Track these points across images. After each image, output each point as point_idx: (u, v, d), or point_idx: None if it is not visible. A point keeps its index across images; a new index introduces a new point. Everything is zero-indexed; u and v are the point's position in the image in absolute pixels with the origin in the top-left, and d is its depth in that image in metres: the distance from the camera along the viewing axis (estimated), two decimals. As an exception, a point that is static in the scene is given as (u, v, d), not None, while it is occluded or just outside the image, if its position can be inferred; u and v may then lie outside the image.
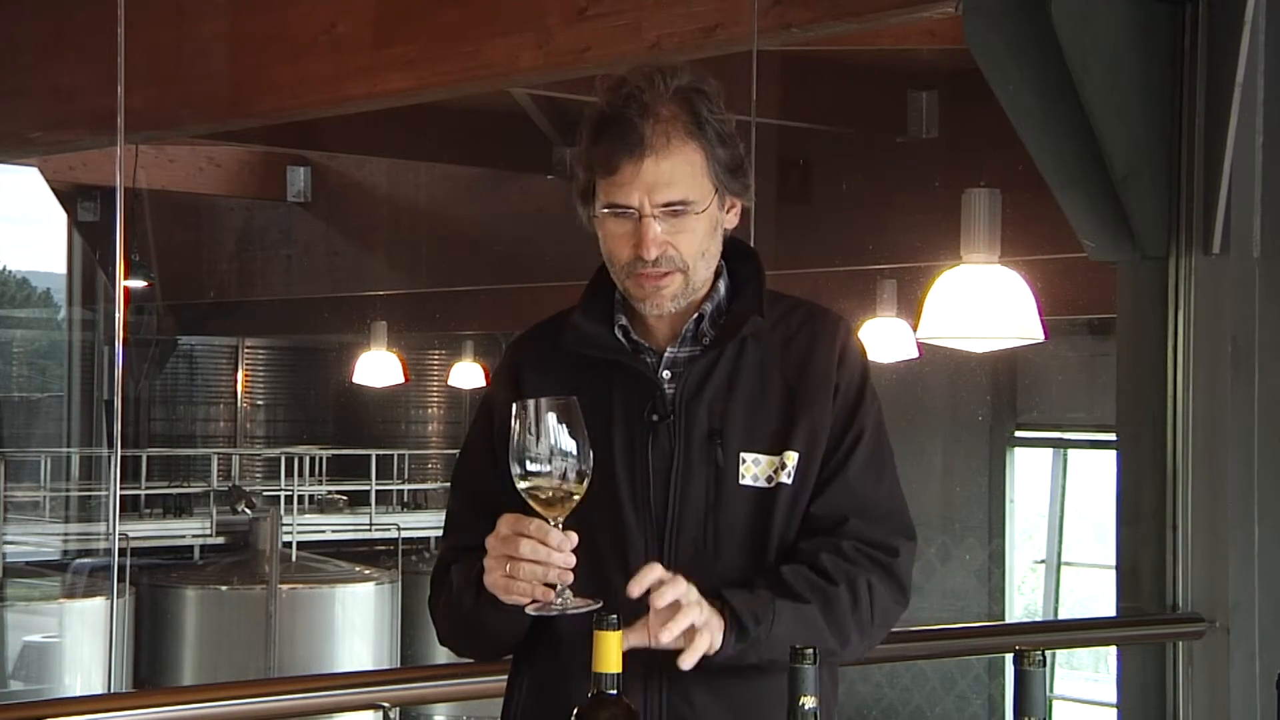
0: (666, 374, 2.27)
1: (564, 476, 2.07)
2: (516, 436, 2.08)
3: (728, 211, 2.27)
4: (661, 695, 2.20)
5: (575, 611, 2.09)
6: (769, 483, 2.24)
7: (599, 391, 2.25)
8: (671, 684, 2.20)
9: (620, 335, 2.29)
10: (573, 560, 2.09)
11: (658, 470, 2.23)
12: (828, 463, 2.28)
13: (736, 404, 2.25)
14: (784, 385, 2.27)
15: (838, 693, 2.36)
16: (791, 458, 2.25)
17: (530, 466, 2.07)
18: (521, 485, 2.08)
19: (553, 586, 2.09)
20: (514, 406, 2.10)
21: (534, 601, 2.09)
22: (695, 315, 2.28)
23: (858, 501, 2.29)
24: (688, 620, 2.10)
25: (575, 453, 2.07)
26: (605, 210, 2.21)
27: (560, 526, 2.08)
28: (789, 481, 2.25)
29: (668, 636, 2.09)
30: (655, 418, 2.24)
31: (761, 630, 2.17)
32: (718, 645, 2.14)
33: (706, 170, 2.21)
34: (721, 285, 2.30)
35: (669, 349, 2.28)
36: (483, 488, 2.29)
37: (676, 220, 2.19)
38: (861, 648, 2.29)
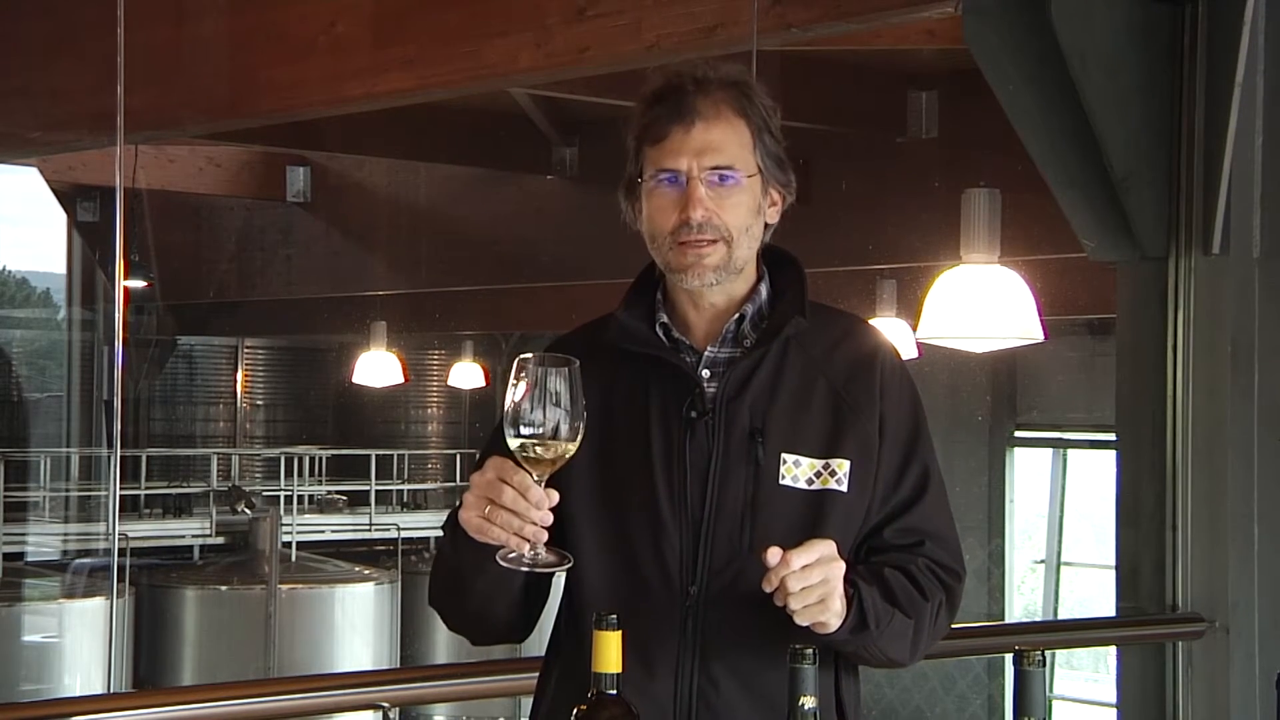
0: (706, 373, 2.28)
1: (554, 434, 2.07)
2: (511, 391, 2.09)
3: (770, 205, 2.31)
4: (691, 680, 2.21)
5: (543, 570, 2.12)
6: (810, 484, 2.25)
7: (638, 387, 2.27)
8: (701, 668, 2.21)
9: (661, 333, 2.31)
10: (549, 519, 2.10)
11: (695, 468, 2.23)
12: (895, 490, 2.30)
13: (779, 405, 2.26)
14: (830, 389, 2.28)
15: (860, 691, 2.37)
16: (843, 465, 2.26)
17: (523, 427, 2.07)
18: (512, 441, 2.09)
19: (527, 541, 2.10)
20: (515, 363, 2.10)
21: (506, 550, 2.10)
22: (736, 315, 2.30)
23: (931, 527, 2.33)
24: (821, 592, 2.11)
25: (568, 409, 2.08)
26: (653, 180, 2.25)
27: (543, 484, 2.08)
28: (843, 489, 2.26)
29: (798, 593, 2.09)
30: (694, 414, 2.24)
31: (876, 633, 2.20)
32: (833, 629, 2.14)
33: (752, 148, 2.26)
34: (763, 289, 2.32)
35: (709, 348, 2.29)
36: None
37: (722, 188, 2.23)
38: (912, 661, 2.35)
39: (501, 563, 2.10)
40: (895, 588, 2.24)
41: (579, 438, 2.09)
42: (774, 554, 2.10)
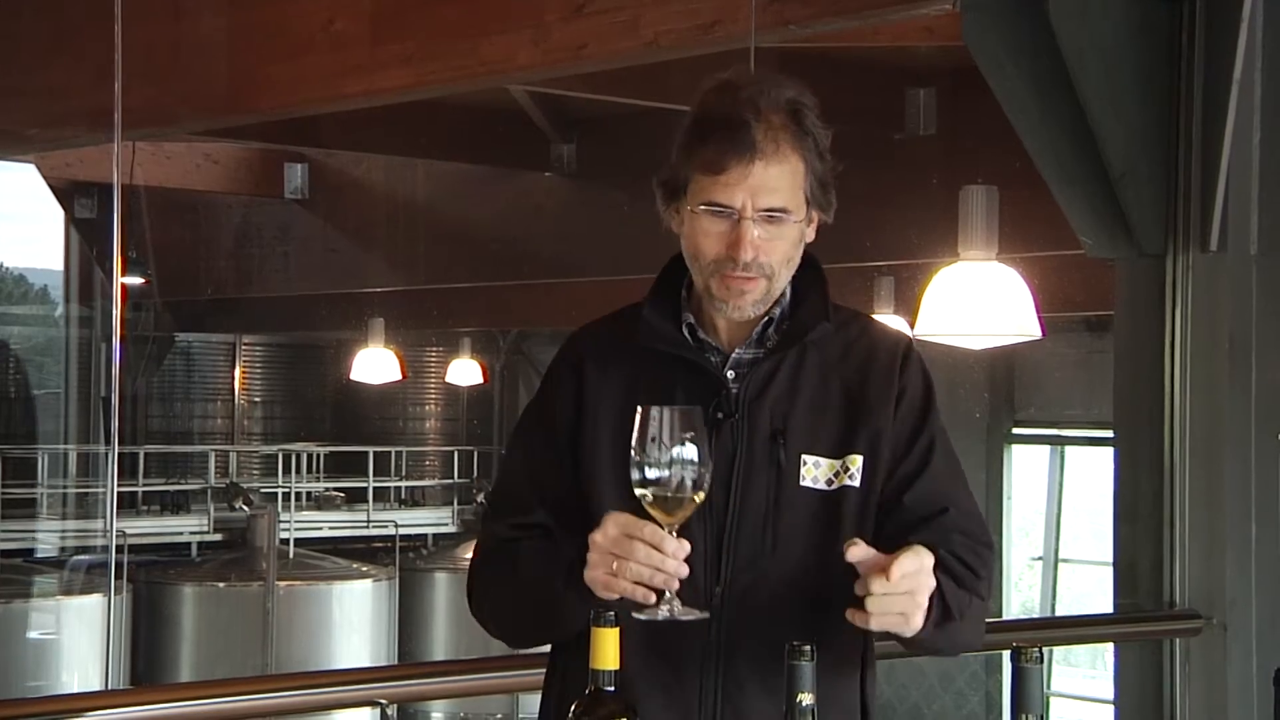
0: (730, 374, 2.28)
1: (682, 484, 2.06)
2: (637, 441, 2.07)
3: (809, 225, 2.29)
4: (716, 681, 2.21)
5: (684, 619, 2.09)
6: (829, 485, 2.26)
7: (662, 387, 2.25)
8: (726, 670, 2.21)
9: (686, 333, 2.30)
10: (685, 570, 2.08)
11: (719, 469, 2.21)
12: (903, 461, 2.29)
13: (799, 407, 2.27)
14: (844, 390, 2.29)
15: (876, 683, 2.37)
16: (855, 461, 2.26)
17: (650, 473, 2.06)
18: (640, 491, 2.08)
19: (660, 593, 2.08)
20: (637, 411, 2.09)
21: (644, 605, 2.07)
22: (765, 319, 2.29)
23: (949, 496, 2.31)
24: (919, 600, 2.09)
25: (696, 460, 2.06)
26: (704, 208, 2.22)
27: (674, 533, 2.07)
28: (856, 484, 2.26)
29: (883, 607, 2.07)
30: (720, 416, 2.24)
31: (959, 624, 2.19)
32: (918, 627, 2.11)
33: (804, 182, 2.24)
34: (787, 291, 2.32)
35: (737, 349, 2.29)
36: (544, 473, 2.31)
37: (772, 227, 2.21)
38: None
39: (640, 616, 2.08)
40: (957, 571, 2.21)
41: (707, 486, 2.08)
42: (857, 552, 2.08)
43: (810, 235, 2.29)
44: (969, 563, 2.25)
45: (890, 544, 2.18)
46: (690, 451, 2.06)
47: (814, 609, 2.24)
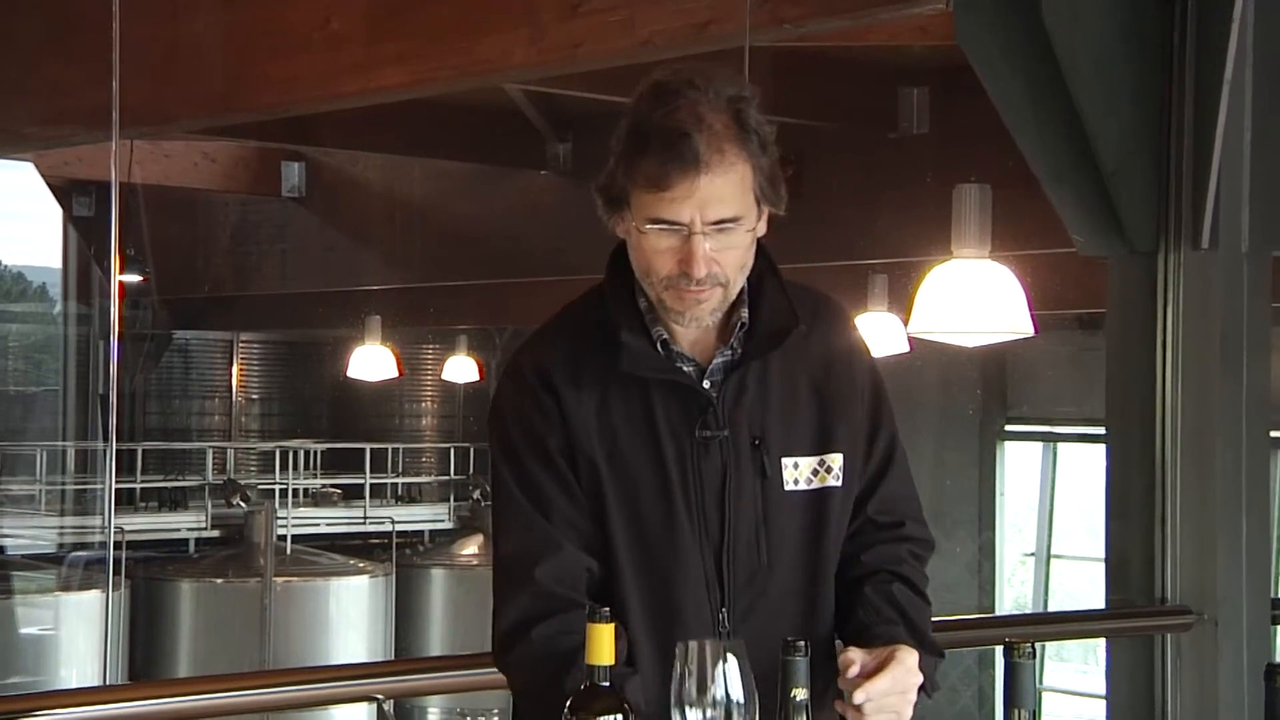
0: (706, 384, 2.20)
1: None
2: (678, 680, 1.91)
3: (760, 220, 2.18)
4: None
5: None
6: (809, 485, 2.22)
7: (643, 406, 2.18)
8: None
9: (661, 349, 2.20)
10: None
11: (710, 486, 2.17)
12: (869, 458, 2.28)
13: (772, 409, 2.21)
14: (811, 383, 2.24)
15: None
16: (836, 459, 2.23)
17: (691, 714, 1.91)
18: None
19: None
20: (676, 647, 1.93)
21: None
22: (741, 326, 2.21)
23: (907, 504, 2.33)
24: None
25: (742, 701, 1.91)
26: (651, 226, 2.11)
27: None
28: (838, 484, 2.24)
29: None
30: (708, 433, 2.17)
31: (938, 662, 2.22)
32: (909, 716, 2.12)
33: (752, 184, 2.12)
34: (744, 287, 2.23)
35: (717, 358, 2.20)
36: (565, 510, 2.18)
37: (723, 237, 2.11)
38: None
39: None
40: (914, 612, 2.24)
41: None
42: (852, 668, 2.09)
43: (762, 230, 2.19)
44: (920, 588, 2.28)
45: (853, 558, 2.24)
46: (735, 691, 1.91)
47: (806, 612, 2.24)
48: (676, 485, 2.17)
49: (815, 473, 2.22)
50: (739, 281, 2.18)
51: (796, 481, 2.22)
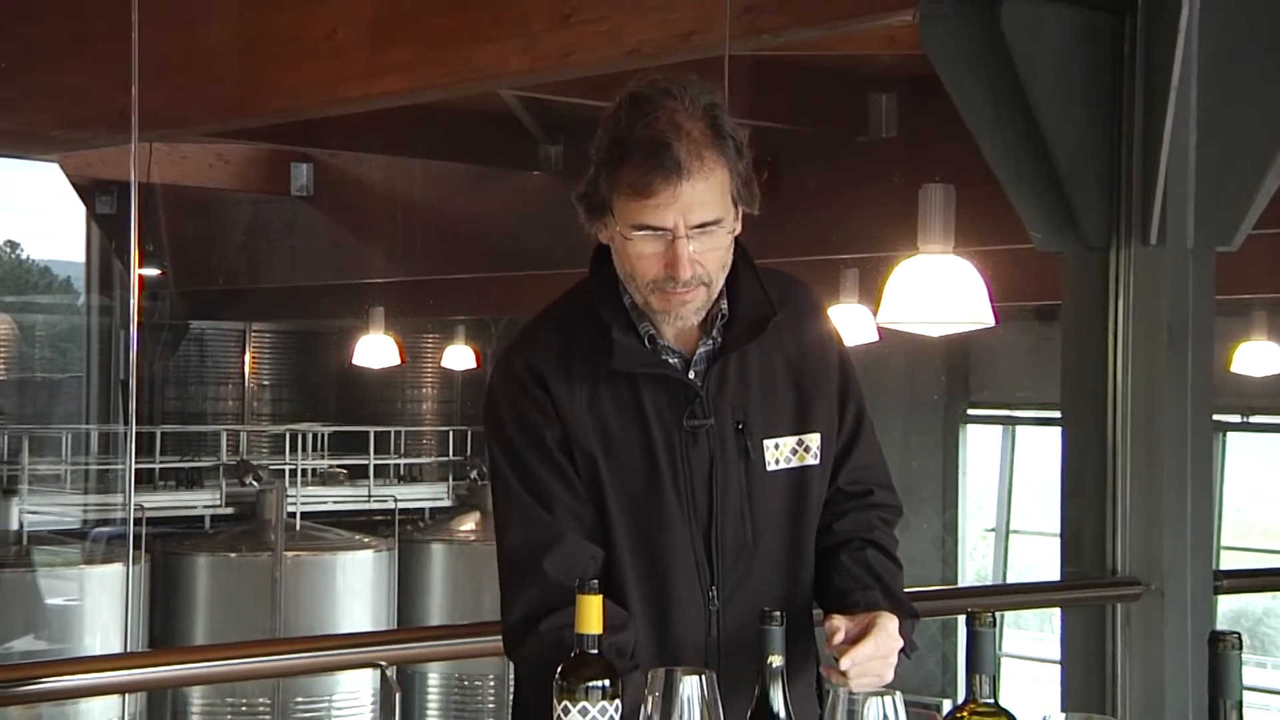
0: (692, 374, 2.18)
1: None
2: (648, 711, 1.82)
3: (736, 219, 2.16)
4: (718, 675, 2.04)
5: None
6: (788, 463, 2.20)
7: (633, 398, 2.15)
8: (725, 666, 2.10)
9: (649, 343, 2.18)
10: None
11: (698, 472, 2.15)
12: (840, 430, 2.26)
13: (753, 393, 2.18)
14: (787, 366, 2.22)
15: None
16: (815, 439, 2.22)
17: None
18: None
19: None
20: (647, 677, 1.85)
21: None
22: (722, 317, 2.18)
23: (875, 473, 2.31)
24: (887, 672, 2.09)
25: None
26: (635, 231, 2.09)
27: None
28: (816, 461, 2.22)
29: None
30: (696, 423, 2.15)
31: (911, 626, 2.20)
32: (890, 678, 2.10)
33: (729, 187, 2.10)
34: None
35: (700, 349, 2.18)
36: (565, 502, 2.15)
37: (705, 238, 2.09)
38: None
39: None
40: (889, 577, 2.23)
41: None
42: (837, 635, 2.08)
43: (738, 229, 2.16)
44: (891, 552, 2.27)
45: (824, 529, 2.23)
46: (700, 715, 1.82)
47: (789, 585, 2.22)
48: (666, 474, 2.15)
49: (794, 452, 2.21)
50: (720, 280, 2.15)
51: (778, 461, 2.20)
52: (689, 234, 2.08)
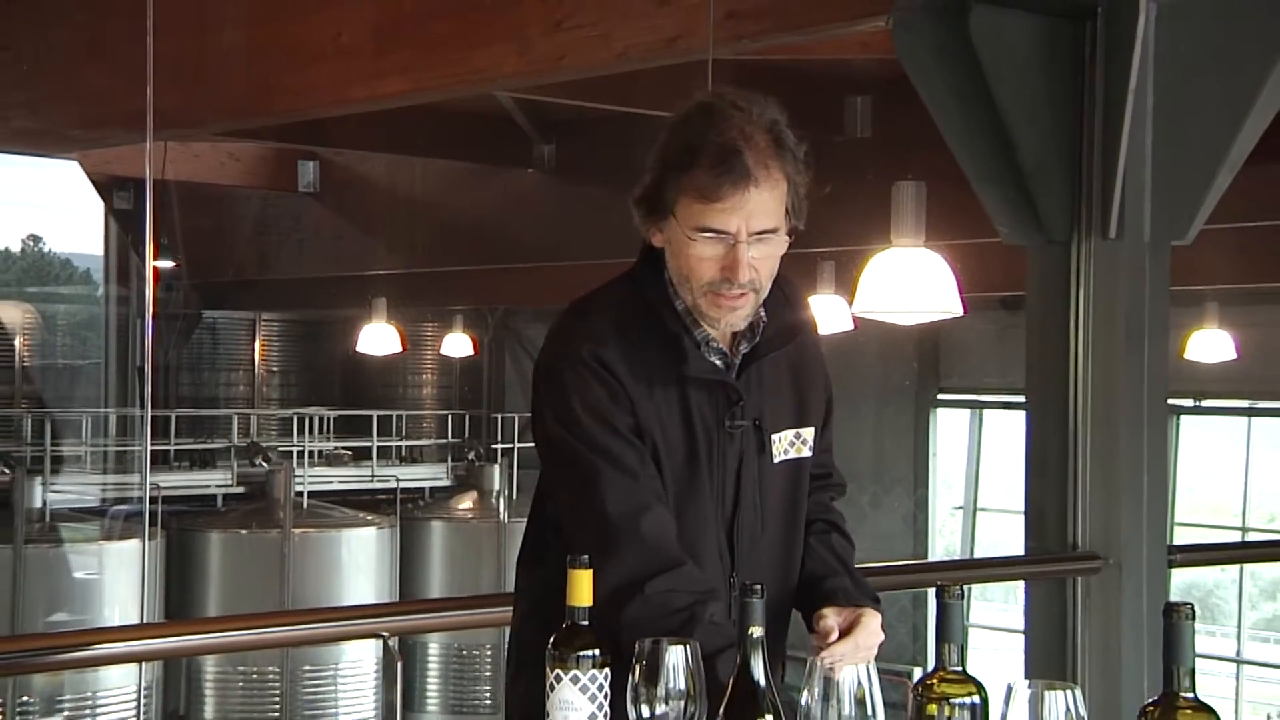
0: (735, 377, 2.18)
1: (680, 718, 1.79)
2: (635, 675, 1.79)
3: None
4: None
5: None
6: (788, 455, 2.21)
7: (680, 396, 2.14)
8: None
9: (704, 347, 2.16)
10: None
11: (729, 468, 2.16)
12: (824, 424, 2.30)
13: (766, 392, 2.19)
14: (789, 363, 2.23)
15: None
16: (809, 431, 2.23)
17: (644, 711, 1.78)
18: None
19: None
20: (635, 646, 1.80)
21: None
22: (762, 324, 2.18)
23: (830, 454, 2.34)
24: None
25: (694, 694, 1.78)
26: (699, 233, 2.07)
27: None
28: (809, 452, 2.24)
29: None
30: (738, 424, 2.15)
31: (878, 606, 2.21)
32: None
33: (787, 199, 2.11)
34: None
35: (741, 351, 2.18)
36: (651, 476, 2.12)
37: (763, 245, 2.08)
38: None
39: None
40: (849, 560, 2.27)
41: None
42: (831, 635, 2.10)
43: (789, 240, 2.15)
44: (845, 531, 2.32)
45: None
46: (683, 685, 1.79)
47: (787, 568, 2.24)
48: (705, 470, 2.15)
49: (792, 444, 2.22)
50: (768, 288, 2.14)
51: (784, 453, 2.21)
52: (749, 239, 2.07)
